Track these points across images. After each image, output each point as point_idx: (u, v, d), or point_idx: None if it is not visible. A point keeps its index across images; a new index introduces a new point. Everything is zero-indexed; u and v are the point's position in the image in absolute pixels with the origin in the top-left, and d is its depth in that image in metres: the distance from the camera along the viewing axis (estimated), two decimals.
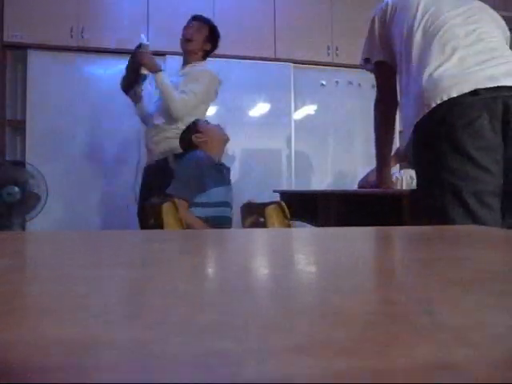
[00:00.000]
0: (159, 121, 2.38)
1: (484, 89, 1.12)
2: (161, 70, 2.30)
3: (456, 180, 1.13)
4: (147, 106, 2.50)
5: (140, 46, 2.38)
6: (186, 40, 2.45)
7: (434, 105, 1.17)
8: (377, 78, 1.53)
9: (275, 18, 3.65)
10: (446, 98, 1.15)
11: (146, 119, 2.51)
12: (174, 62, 3.29)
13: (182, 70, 2.46)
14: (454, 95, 1.14)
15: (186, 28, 2.48)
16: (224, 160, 2.25)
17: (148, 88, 2.52)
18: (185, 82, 2.35)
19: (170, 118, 2.34)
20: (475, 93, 1.13)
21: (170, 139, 2.36)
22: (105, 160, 3.35)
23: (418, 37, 1.26)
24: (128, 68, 2.41)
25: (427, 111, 1.18)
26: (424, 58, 1.23)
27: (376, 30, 1.44)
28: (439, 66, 1.19)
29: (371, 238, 0.53)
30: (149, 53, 2.34)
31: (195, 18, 2.51)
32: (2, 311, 0.19)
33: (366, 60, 1.50)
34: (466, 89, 1.13)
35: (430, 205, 1.19)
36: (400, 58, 1.35)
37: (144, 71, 2.33)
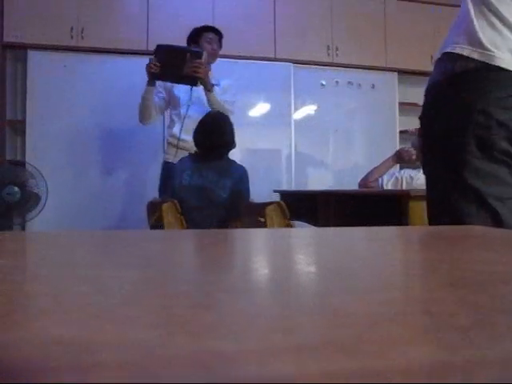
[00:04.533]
0: None
1: None
2: (212, 87, 2.43)
3: (481, 184, 0.91)
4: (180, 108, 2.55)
5: (202, 55, 2.39)
6: (215, 55, 2.59)
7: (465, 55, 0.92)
8: None
9: (275, 18, 3.65)
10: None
11: (178, 117, 2.56)
12: None
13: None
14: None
15: (211, 42, 2.56)
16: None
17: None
18: (222, 93, 2.50)
19: None
20: None
21: None
22: (105, 160, 3.35)
23: None
24: (179, 65, 2.36)
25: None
26: None
27: None
28: None
29: (371, 238, 0.53)
30: (207, 69, 2.41)
31: (214, 30, 2.59)
32: (2, 311, 0.19)
33: None
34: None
35: (448, 211, 0.97)
36: None
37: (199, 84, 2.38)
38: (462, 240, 0.49)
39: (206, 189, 2.06)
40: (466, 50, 0.94)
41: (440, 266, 0.32)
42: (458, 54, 0.95)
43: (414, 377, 0.13)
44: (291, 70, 3.65)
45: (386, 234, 0.57)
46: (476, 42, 0.93)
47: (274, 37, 3.65)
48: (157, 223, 2.05)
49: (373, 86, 3.85)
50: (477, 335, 0.16)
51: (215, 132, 2.13)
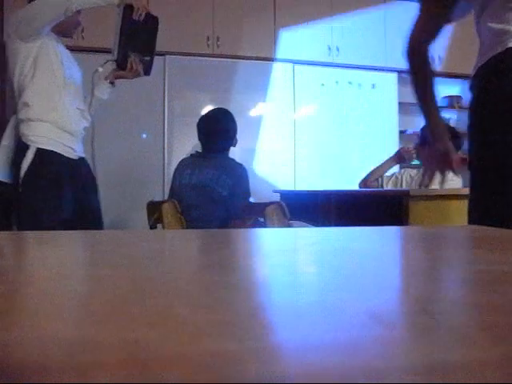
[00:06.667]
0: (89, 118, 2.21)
1: None
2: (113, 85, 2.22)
3: None
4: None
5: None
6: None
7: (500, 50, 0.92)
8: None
9: (275, 18, 3.65)
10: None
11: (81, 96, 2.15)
12: (173, 62, 3.29)
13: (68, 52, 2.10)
14: None
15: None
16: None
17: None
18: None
19: None
20: None
21: None
22: (104, 160, 3.34)
23: None
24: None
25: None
26: None
27: None
28: None
29: (371, 238, 0.53)
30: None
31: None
32: (1, 311, 0.19)
33: None
34: None
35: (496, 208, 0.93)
36: None
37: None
38: (462, 240, 0.49)
39: (206, 186, 2.06)
40: (499, 46, 0.93)
41: (440, 266, 0.32)
42: (490, 57, 0.94)
43: (415, 377, 0.13)
44: (292, 69, 3.66)
45: (386, 233, 0.57)
46: (501, 33, 0.93)
47: (274, 37, 3.65)
48: (157, 223, 2.05)
49: (373, 86, 3.85)
50: (477, 335, 0.16)
51: (217, 124, 2.14)
